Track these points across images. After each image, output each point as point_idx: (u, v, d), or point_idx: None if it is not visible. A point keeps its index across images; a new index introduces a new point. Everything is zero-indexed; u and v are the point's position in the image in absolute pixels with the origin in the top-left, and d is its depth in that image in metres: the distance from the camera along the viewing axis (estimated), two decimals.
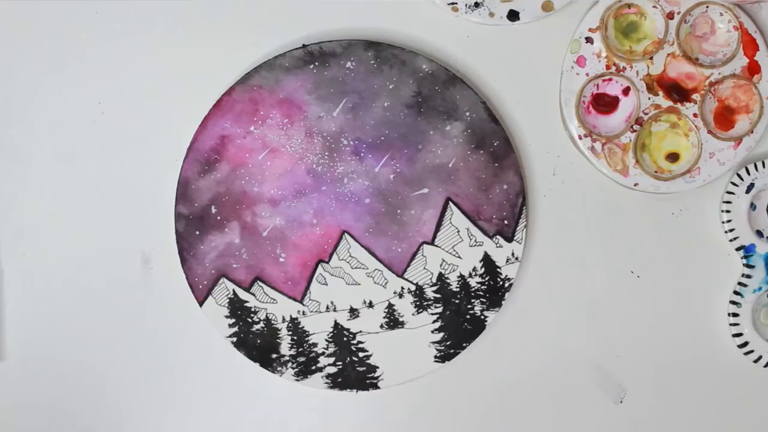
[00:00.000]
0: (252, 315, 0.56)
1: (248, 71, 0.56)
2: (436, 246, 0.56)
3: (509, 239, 0.56)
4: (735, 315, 0.58)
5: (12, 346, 0.59)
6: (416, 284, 0.56)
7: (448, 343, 0.56)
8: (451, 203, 0.56)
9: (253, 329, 0.56)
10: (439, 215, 0.56)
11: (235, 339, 0.56)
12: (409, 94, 0.56)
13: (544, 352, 0.59)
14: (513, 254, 0.56)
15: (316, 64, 0.56)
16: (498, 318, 0.57)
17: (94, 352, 0.59)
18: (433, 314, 0.56)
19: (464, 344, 0.56)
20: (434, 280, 0.56)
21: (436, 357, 0.56)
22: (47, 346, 0.59)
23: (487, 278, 0.56)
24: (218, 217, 0.56)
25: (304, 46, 0.56)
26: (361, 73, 0.56)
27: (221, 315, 0.56)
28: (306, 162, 0.56)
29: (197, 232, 0.56)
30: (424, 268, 0.56)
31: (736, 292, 0.58)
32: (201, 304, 0.56)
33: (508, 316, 0.58)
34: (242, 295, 0.56)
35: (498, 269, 0.56)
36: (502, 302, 0.56)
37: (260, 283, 0.56)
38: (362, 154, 0.56)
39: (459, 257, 0.56)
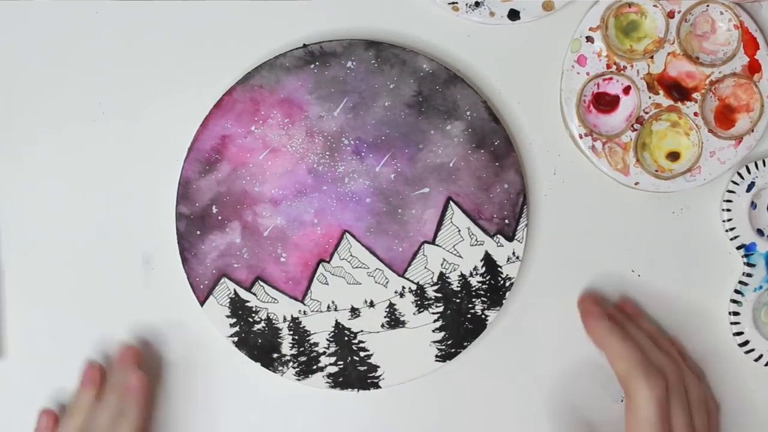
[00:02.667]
0: (253, 315, 0.56)
1: (249, 71, 0.56)
2: (437, 245, 0.56)
3: (510, 238, 0.56)
4: (736, 314, 0.58)
5: (13, 344, 0.59)
6: (417, 283, 0.57)
7: (449, 342, 0.56)
8: (451, 202, 0.56)
9: (254, 329, 0.56)
10: (439, 214, 0.56)
11: (236, 339, 0.56)
12: (410, 94, 0.56)
13: (546, 351, 0.59)
14: (514, 253, 0.56)
15: (317, 63, 0.56)
16: (499, 317, 0.57)
17: (94, 353, 0.58)
18: (434, 313, 0.56)
19: (465, 343, 0.56)
20: (435, 280, 0.56)
21: (437, 356, 0.56)
22: (48, 346, 0.58)
23: (488, 277, 0.56)
24: (219, 217, 0.56)
25: (304, 45, 0.56)
26: (362, 73, 0.56)
27: (222, 315, 0.56)
28: (307, 162, 0.56)
29: (198, 232, 0.56)
30: (425, 268, 0.56)
31: (736, 291, 0.58)
32: (202, 304, 0.56)
33: (509, 316, 0.58)
34: (243, 294, 0.56)
35: (499, 268, 0.56)
36: (503, 301, 0.56)
37: (261, 283, 0.56)
38: (363, 154, 0.56)
39: (460, 256, 0.56)
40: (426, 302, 0.57)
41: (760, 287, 0.58)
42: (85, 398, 0.55)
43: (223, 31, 0.58)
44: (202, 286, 0.56)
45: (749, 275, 0.58)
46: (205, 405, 0.59)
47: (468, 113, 0.56)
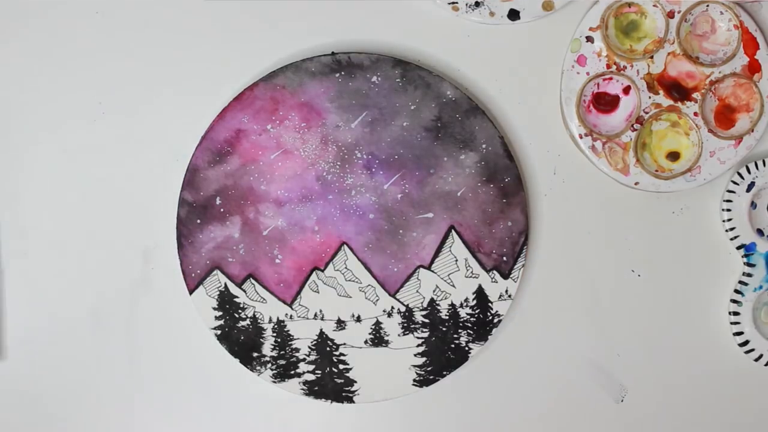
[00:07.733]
0: (240, 311, 0.56)
1: (274, 70, 0.56)
2: (432, 271, 0.56)
3: (505, 276, 0.56)
4: (736, 314, 0.58)
5: (13, 345, 0.58)
6: (407, 306, 0.57)
7: (429, 368, 0.57)
8: (453, 231, 0.56)
9: (239, 325, 0.56)
10: (440, 241, 0.56)
11: (219, 332, 0.56)
12: (429, 118, 0.56)
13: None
14: (506, 291, 0.56)
15: (342, 73, 0.56)
16: (482, 351, 0.58)
17: (94, 351, 0.58)
18: (418, 338, 0.57)
19: (444, 372, 0.56)
20: (425, 305, 0.57)
21: (414, 380, 0.57)
22: (48, 346, 0.58)
23: (477, 311, 0.56)
24: (221, 209, 0.56)
25: (333, 53, 0.56)
26: (385, 90, 0.56)
27: (209, 306, 0.56)
28: (317, 168, 0.56)
29: (198, 221, 0.56)
30: (417, 292, 0.57)
31: (736, 291, 0.58)
32: (191, 292, 0.56)
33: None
34: (233, 289, 0.56)
35: (490, 304, 0.56)
36: (489, 336, 0.56)
37: (253, 281, 0.56)
38: (373, 170, 0.56)
39: (453, 286, 0.56)
40: (412, 326, 0.57)
41: (760, 287, 0.58)
42: None
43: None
44: (193, 275, 0.56)
45: (749, 275, 0.58)
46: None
47: (484, 146, 0.56)
